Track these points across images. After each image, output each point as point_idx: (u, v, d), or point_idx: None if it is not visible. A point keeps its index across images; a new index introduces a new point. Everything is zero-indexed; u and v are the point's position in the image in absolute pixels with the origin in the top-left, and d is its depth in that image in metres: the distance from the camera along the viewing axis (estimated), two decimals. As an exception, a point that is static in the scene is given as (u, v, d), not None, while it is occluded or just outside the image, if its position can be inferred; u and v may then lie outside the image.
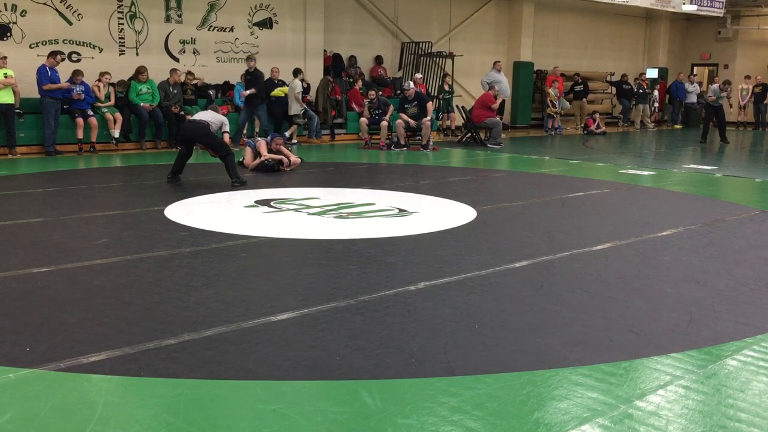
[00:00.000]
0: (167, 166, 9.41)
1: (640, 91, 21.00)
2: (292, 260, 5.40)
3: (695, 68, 24.89)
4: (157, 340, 3.55)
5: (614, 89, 21.95)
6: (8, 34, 12.13)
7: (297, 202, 7.64)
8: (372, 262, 5.17)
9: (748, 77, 21.71)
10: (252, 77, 13.48)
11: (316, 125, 14.69)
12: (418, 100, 13.89)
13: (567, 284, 4.71)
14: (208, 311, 4.01)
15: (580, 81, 19.59)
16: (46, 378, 3.11)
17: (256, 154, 10.40)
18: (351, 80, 16.19)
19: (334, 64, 16.22)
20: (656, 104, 22.14)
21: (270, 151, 10.33)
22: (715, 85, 16.89)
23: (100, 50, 13.10)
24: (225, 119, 9.40)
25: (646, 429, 2.75)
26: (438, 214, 7.29)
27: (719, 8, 21.78)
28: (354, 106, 15.67)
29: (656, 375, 3.27)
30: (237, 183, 8.71)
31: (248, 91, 13.35)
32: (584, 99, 19.68)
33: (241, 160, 10.44)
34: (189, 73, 13.66)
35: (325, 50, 16.19)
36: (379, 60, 17.19)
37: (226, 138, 9.28)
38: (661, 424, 2.79)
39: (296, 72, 14.31)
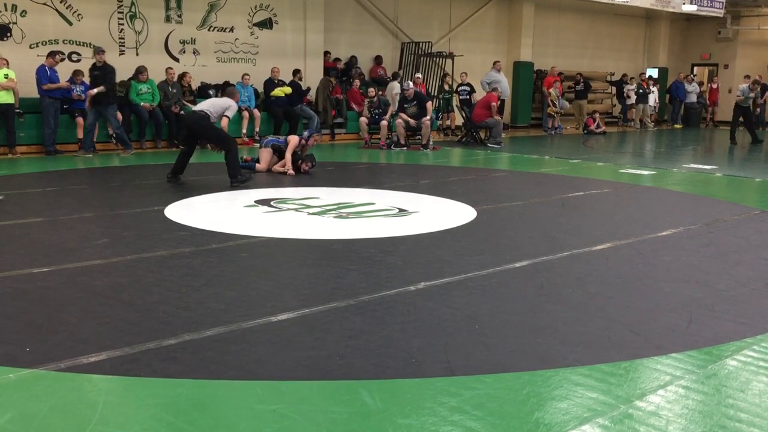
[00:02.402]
0: (167, 166, 9.40)
1: (641, 90, 20.99)
2: (292, 260, 5.40)
3: (695, 68, 24.90)
4: (157, 340, 3.55)
5: (614, 89, 21.96)
6: (8, 34, 12.13)
7: (297, 202, 7.64)
8: (372, 262, 5.17)
9: (747, 77, 21.69)
10: (101, 72, 11.56)
11: (317, 125, 14.70)
12: (417, 100, 13.90)
13: (567, 284, 4.71)
14: (208, 311, 4.01)
15: (581, 81, 19.56)
16: (46, 378, 3.11)
17: (276, 155, 10.03)
18: (351, 80, 16.19)
19: (346, 69, 16.26)
20: (656, 104, 22.13)
21: (297, 153, 9.91)
22: (745, 86, 16.53)
23: (100, 50, 13.09)
24: (231, 103, 8.84)
25: (646, 429, 2.75)
26: (438, 214, 7.29)
27: (719, 8, 21.78)
28: (354, 105, 15.68)
29: (656, 375, 3.27)
30: (236, 183, 8.55)
31: (96, 89, 11.43)
32: (584, 99, 19.62)
33: (245, 159, 10.30)
34: (183, 74, 13.55)
35: (328, 52, 16.17)
36: (378, 60, 17.19)
37: (224, 122, 8.73)
38: (661, 424, 2.79)
39: (395, 75, 16.16)
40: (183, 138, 9.29)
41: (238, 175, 8.65)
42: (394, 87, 15.39)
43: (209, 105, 8.84)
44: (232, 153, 8.64)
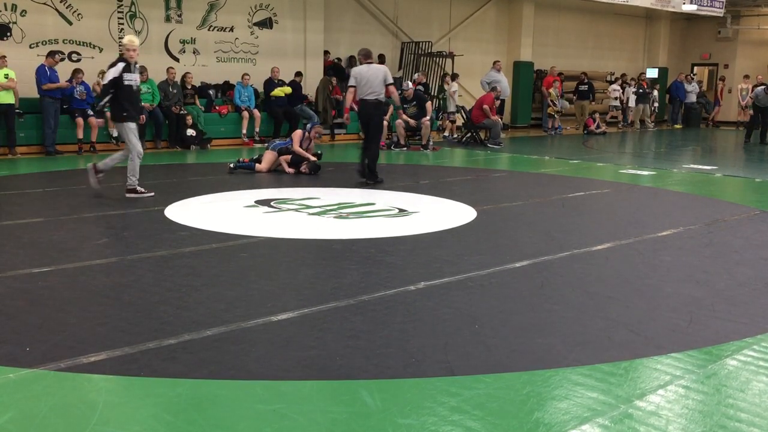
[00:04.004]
0: (167, 166, 9.40)
1: (641, 90, 20.97)
2: (292, 260, 5.39)
3: (695, 68, 24.89)
4: (157, 340, 3.55)
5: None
6: (8, 34, 12.13)
7: (297, 202, 7.64)
8: (372, 262, 5.17)
9: (747, 77, 21.71)
10: None
11: (316, 122, 14.68)
12: (417, 100, 13.90)
13: (567, 284, 4.71)
14: (208, 311, 4.01)
15: (585, 81, 19.52)
16: (46, 378, 3.11)
17: (278, 157, 10.01)
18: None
19: (336, 70, 16.16)
20: (656, 104, 22.10)
21: (302, 146, 9.96)
22: (760, 89, 16.76)
23: (100, 50, 13.09)
24: (384, 69, 9.04)
25: (646, 429, 2.75)
26: (438, 214, 7.29)
27: (719, 8, 21.78)
28: (354, 106, 15.64)
29: (656, 375, 3.27)
30: (378, 181, 8.88)
31: None
32: (588, 100, 19.54)
33: (243, 160, 10.31)
34: (186, 74, 13.55)
35: (327, 51, 16.15)
36: (381, 59, 17.14)
37: (392, 90, 8.98)
38: (661, 424, 2.79)
39: (454, 76, 16.48)
40: (364, 130, 9.38)
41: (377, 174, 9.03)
42: (453, 86, 16.25)
43: (376, 86, 8.89)
44: (378, 149, 9.14)
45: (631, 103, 20.99)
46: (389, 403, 2.93)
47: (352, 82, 9.12)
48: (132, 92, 7.77)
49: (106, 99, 7.66)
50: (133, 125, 7.78)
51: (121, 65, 7.65)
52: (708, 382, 3.20)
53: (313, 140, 10.30)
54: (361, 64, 9.31)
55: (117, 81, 7.59)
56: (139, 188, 7.82)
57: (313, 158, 9.95)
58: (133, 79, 7.77)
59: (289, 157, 9.95)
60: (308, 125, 10.31)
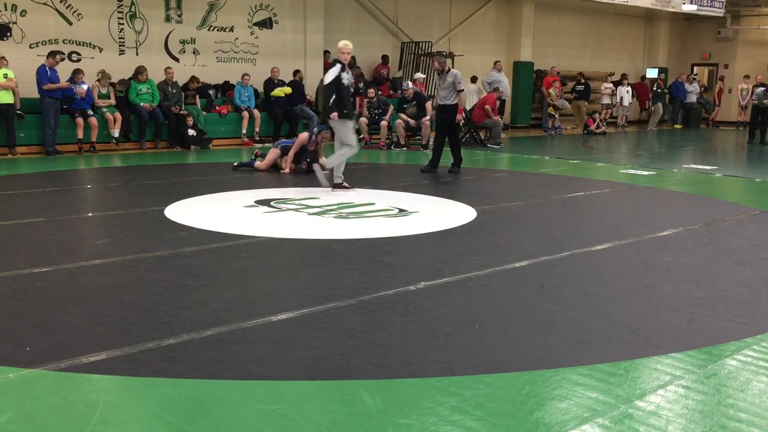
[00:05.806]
0: (167, 166, 9.40)
1: (658, 90, 20.96)
2: (292, 260, 5.39)
3: (695, 68, 24.90)
4: (157, 340, 3.55)
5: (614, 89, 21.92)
6: (8, 34, 12.13)
7: (297, 202, 7.64)
8: (372, 262, 5.17)
9: (747, 77, 21.71)
10: None
11: (316, 125, 14.68)
12: (416, 100, 13.91)
13: (567, 284, 4.71)
14: (208, 311, 4.01)
15: (582, 81, 19.50)
16: (46, 378, 3.11)
17: (279, 156, 9.98)
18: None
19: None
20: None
21: (306, 150, 9.87)
22: (760, 89, 17.00)
23: (100, 50, 13.09)
24: (455, 73, 10.03)
25: (646, 429, 2.75)
26: (438, 214, 7.29)
27: (719, 8, 21.79)
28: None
29: (656, 375, 3.27)
30: (455, 171, 10.16)
31: None
32: (585, 100, 19.55)
33: (256, 153, 10.34)
34: (193, 77, 13.56)
35: (327, 51, 16.14)
36: (384, 60, 17.13)
37: (461, 96, 10.13)
38: (661, 424, 2.79)
39: (473, 79, 16.92)
40: (440, 131, 10.43)
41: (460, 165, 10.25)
42: (471, 88, 16.59)
43: (445, 93, 9.99)
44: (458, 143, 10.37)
45: (625, 102, 20.94)
46: (389, 403, 2.93)
47: (463, 86, 10.24)
48: (349, 91, 8.32)
49: (333, 99, 8.16)
50: (351, 123, 8.39)
51: (338, 66, 8.24)
52: (708, 382, 3.20)
53: (320, 144, 10.28)
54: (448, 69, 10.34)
55: (337, 81, 8.09)
56: (345, 183, 8.36)
57: (284, 171, 9.89)
58: (348, 79, 8.30)
59: (291, 155, 9.95)
60: (315, 129, 10.26)
